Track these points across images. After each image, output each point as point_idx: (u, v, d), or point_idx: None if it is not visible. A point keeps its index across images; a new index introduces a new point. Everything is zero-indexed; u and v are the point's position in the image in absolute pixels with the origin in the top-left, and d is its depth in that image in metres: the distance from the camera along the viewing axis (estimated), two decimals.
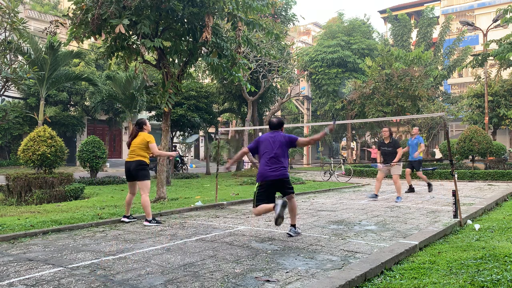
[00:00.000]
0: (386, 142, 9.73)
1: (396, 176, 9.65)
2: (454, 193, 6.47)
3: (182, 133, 21.12)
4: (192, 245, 5.10)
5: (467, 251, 4.57)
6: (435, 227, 5.82)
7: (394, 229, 6.06)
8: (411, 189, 11.35)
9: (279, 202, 5.20)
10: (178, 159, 21.42)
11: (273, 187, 5.55)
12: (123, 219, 6.82)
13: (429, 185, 11.05)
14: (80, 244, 5.25)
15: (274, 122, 5.81)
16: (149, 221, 6.61)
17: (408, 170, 11.43)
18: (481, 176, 15.79)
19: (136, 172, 6.59)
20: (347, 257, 4.45)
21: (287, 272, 3.92)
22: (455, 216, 6.49)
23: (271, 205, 5.35)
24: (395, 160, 9.44)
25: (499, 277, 3.57)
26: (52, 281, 3.72)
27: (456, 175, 6.85)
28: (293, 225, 5.68)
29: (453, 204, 6.50)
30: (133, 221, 6.90)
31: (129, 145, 6.81)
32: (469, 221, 6.49)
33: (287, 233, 5.65)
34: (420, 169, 11.32)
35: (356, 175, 18.83)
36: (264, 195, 5.48)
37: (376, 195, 10.05)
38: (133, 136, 6.79)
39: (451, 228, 5.91)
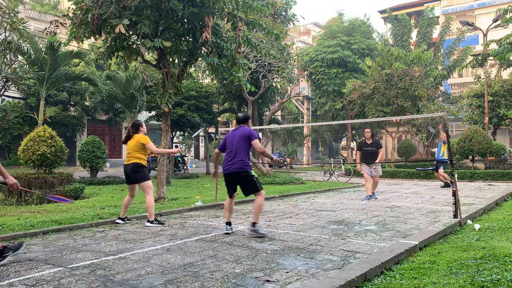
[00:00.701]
0: (369, 142, 9.99)
1: (377, 176, 9.98)
2: (454, 193, 6.47)
3: (182, 133, 21.11)
4: (192, 245, 5.10)
5: (467, 251, 4.57)
6: (435, 227, 5.82)
7: (394, 229, 6.06)
8: (447, 185, 12.38)
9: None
10: (179, 158, 21.38)
11: (232, 180, 5.75)
12: (117, 220, 6.78)
13: (447, 184, 12.22)
14: (80, 244, 5.25)
15: (240, 117, 6.05)
16: (151, 222, 6.60)
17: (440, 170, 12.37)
18: (481, 176, 15.80)
19: (133, 174, 6.56)
20: (347, 257, 4.45)
21: (287, 272, 3.92)
22: (455, 216, 6.49)
23: (226, 202, 5.83)
24: (377, 160, 9.69)
25: (499, 277, 3.57)
26: (52, 281, 3.72)
27: (456, 175, 6.85)
28: (254, 223, 5.64)
29: (453, 204, 6.50)
30: (128, 223, 6.83)
31: (124, 143, 6.87)
32: (469, 221, 6.49)
33: (249, 232, 5.70)
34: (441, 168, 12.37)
35: (356, 175, 18.82)
36: (227, 187, 5.82)
37: (370, 196, 9.99)
38: (127, 137, 6.78)
39: (451, 228, 5.91)
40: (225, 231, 5.82)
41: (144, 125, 6.93)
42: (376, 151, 9.81)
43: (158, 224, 6.58)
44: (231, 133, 5.89)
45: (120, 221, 6.77)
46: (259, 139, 5.95)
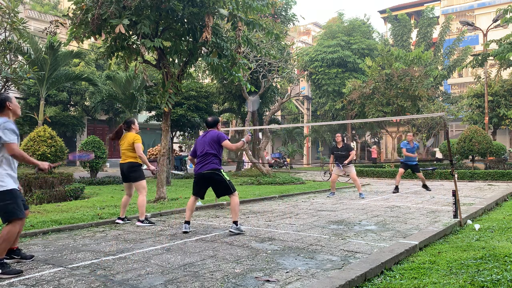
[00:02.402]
0: (339, 146, 10.77)
1: (354, 174, 10.73)
2: (454, 193, 6.47)
3: (182, 133, 21.11)
4: (192, 245, 5.10)
5: (467, 251, 4.57)
6: (435, 227, 5.82)
7: (394, 229, 6.06)
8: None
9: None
10: (184, 159, 21.38)
11: (203, 181, 5.91)
12: (117, 220, 6.78)
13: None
14: (80, 244, 5.25)
15: (209, 121, 6.22)
16: (142, 221, 6.59)
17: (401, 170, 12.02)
18: (481, 176, 15.79)
19: (129, 173, 6.60)
20: (347, 257, 4.45)
21: (287, 272, 3.92)
22: (455, 216, 6.49)
23: (190, 201, 5.99)
24: (347, 161, 10.51)
25: (499, 277, 3.57)
26: (52, 281, 3.72)
27: (456, 175, 6.85)
28: (235, 222, 5.84)
29: (453, 204, 6.51)
30: (128, 223, 6.83)
31: (112, 140, 6.90)
32: (469, 221, 6.49)
33: (229, 231, 5.83)
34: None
35: (356, 175, 18.80)
36: (195, 188, 6.00)
37: (333, 193, 11.06)
38: (117, 132, 6.78)
39: (451, 228, 5.91)
40: (183, 230, 5.91)
41: (136, 123, 6.90)
42: (347, 154, 10.62)
43: (149, 224, 6.58)
44: (200, 137, 6.09)
45: (120, 221, 6.77)
46: (229, 139, 6.09)
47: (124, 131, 6.81)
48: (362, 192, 10.63)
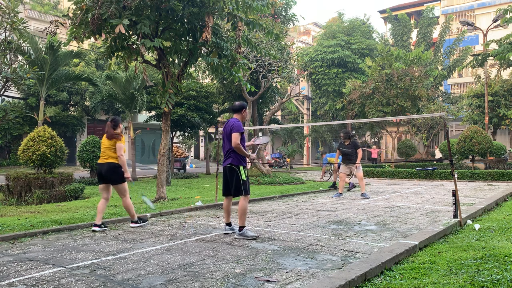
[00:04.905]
0: (346, 143, 10.65)
1: (361, 174, 10.63)
2: (454, 193, 6.47)
3: (182, 133, 21.11)
4: (192, 245, 5.10)
5: (467, 251, 4.57)
6: (435, 227, 5.82)
7: (394, 229, 6.06)
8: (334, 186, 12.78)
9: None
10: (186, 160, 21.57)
11: (224, 177, 5.59)
12: (94, 228, 6.13)
13: (351, 185, 12.37)
14: (80, 244, 5.25)
15: (234, 105, 5.73)
16: (135, 222, 6.38)
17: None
18: (481, 176, 15.79)
19: (109, 175, 6.18)
20: (347, 257, 4.44)
21: (287, 272, 3.92)
22: (455, 216, 6.49)
23: (224, 202, 5.69)
24: (358, 163, 10.44)
25: (499, 277, 3.57)
26: (52, 281, 3.72)
27: (456, 175, 6.85)
28: (240, 227, 5.45)
29: (453, 204, 6.50)
30: (105, 229, 6.23)
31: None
32: (469, 221, 6.49)
33: (234, 237, 5.47)
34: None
35: None
36: (222, 186, 5.66)
37: (341, 194, 10.86)
38: (107, 131, 6.33)
39: (451, 228, 5.91)
40: (224, 231, 5.79)
41: (121, 123, 6.49)
42: (353, 152, 10.52)
43: (143, 222, 6.44)
44: (223, 128, 5.70)
45: (96, 228, 6.12)
46: (242, 132, 5.44)
47: (111, 129, 6.35)
48: (365, 192, 10.50)
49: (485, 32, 20.63)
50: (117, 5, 7.77)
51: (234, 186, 5.47)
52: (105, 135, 6.38)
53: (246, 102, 18.78)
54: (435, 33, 31.38)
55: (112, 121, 6.36)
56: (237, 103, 5.76)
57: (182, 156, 23.67)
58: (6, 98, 24.66)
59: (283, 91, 26.73)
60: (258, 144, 6.36)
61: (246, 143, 6.05)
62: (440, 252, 4.59)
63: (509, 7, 16.32)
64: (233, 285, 3.55)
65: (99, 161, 6.35)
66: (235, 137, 5.38)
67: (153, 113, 19.47)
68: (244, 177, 5.46)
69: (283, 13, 21.00)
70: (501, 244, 4.83)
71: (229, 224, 5.80)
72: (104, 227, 6.27)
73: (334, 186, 12.83)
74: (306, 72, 28.84)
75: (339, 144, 10.90)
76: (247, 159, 5.69)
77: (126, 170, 6.31)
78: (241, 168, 5.45)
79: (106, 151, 6.25)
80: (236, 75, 9.61)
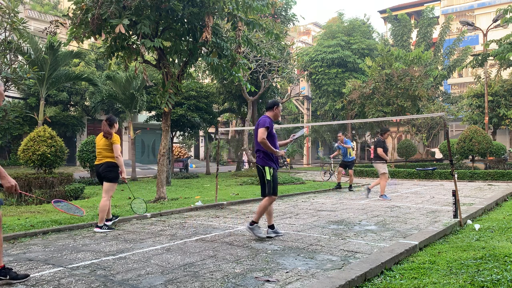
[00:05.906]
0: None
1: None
2: (454, 193, 6.47)
3: (182, 133, 21.11)
4: (192, 245, 5.10)
5: (467, 251, 4.57)
6: (435, 227, 5.82)
7: (394, 229, 6.06)
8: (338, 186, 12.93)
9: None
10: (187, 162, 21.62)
11: (258, 174, 5.62)
12: (96, 229, 6.15)
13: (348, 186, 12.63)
14: (80, 244, 5.25)
15: (267, 103, 5.73)
16: (100, 227, 6.13)
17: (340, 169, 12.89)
18: (481, 176, 15.79)
19: (106, 172, 6.21)
20: (347, 257, 4.44)
21: (287, 272, 3.92)
22: (455, 216, 6.49)
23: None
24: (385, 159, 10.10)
25: (499, 277, 3.57)
26: (52, 281, 3.72)
27: (456, 175, 6.85)
28: (252, 222, 5.49)
29: (453, 204, 6.50)
30: (115, 220, 6.54)
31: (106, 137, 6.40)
32: (469, 221, 6.49)
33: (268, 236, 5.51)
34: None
35: (356, 175, 18.81)
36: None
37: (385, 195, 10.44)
38: (105, 131, 6.31)
39: (451, 228, 5.91)
40: (267, 235, 5.53)
41: (117, 123, 6.49)
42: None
43: (108, 229, 6.16)
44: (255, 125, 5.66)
45: (98, 229, 6.14)
46: (267, 127, 5.37)
47: (106, 127, 6.32)
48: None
49: (485, 32, 20.63)
50: (117, 5, 7.77)
51: (261, 186, 5.52)
52: (99, 135, 6.43)
53: (246, 102, 18.79)
54: (435, 33, 31.38)
55: (108, 120, 6.40)
56: (270, 101, 5.80)
57: (184, 156, 23.75)
58: (6, 98, 24.66)
59: (283, 91, 26.74)
60: (297, 138, 6.36)
61: (285, 141, 6.11)
62: (440, 252, 4.59)
63: (509, 7, 16.32)
64: (233, 285, 3.55)
65: (96, 162, 6.38)
66: (261, 132, 5.36)
67: (153, 113, 19.48)
68: (269, 177, 5.42)
69: (283, 13, 21.01)
70: (501, 244, 4.83)
71: (271, 227, 5.60)
72: (115, 218, 6.59)
73: (339, 187, 12.87)
74: (306, 72, 28.85)
75: (383, 142, 10.20)
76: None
77: (123, 170, 6.37)
78: (267, 168, 5.43)
79: (102, 152, 6.29)
80: (236, 75, 9.61)
